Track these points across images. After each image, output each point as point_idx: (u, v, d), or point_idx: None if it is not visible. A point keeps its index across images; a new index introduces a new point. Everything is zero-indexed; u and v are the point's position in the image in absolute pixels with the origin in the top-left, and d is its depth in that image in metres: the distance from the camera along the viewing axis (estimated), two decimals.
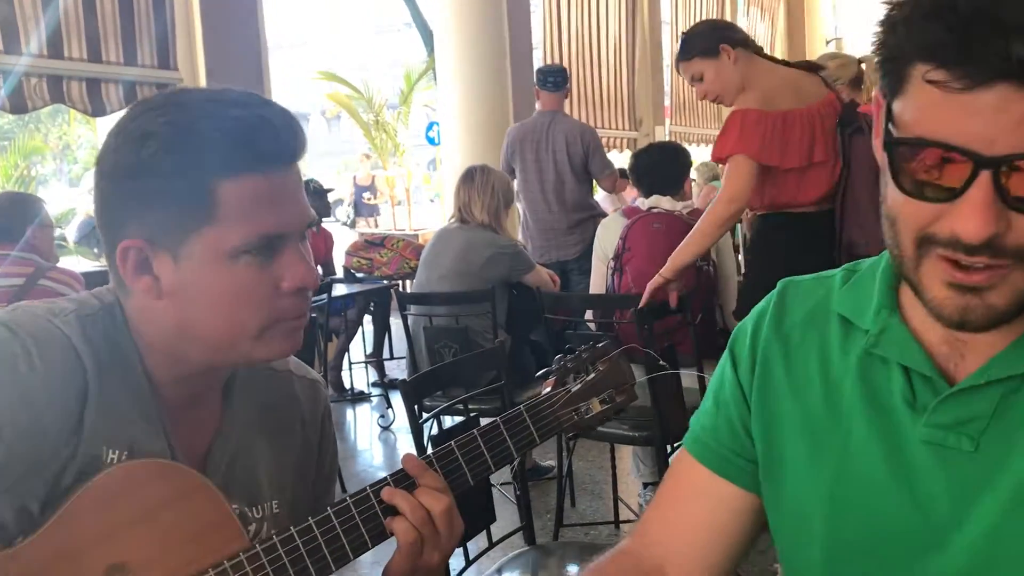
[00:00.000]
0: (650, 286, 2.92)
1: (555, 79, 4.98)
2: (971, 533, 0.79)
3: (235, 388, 1.09)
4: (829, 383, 0.90)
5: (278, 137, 0.95)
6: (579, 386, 1.19)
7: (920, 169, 0.72)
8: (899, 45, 0.71)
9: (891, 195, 0.75)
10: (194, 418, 1.05)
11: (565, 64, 7.79)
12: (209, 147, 0.92)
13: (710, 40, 2.90)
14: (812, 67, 2.99)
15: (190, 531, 0.96)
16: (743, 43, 2.92)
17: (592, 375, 1.20)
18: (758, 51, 2.98)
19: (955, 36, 0.67)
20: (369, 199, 11.50)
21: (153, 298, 0.97)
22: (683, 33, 3.04)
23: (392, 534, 1.05)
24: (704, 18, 10.98)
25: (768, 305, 0.98)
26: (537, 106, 5.19)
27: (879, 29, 0.73)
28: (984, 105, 0.67)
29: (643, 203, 3.47)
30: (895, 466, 0.84)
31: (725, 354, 1.00)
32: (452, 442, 1.10)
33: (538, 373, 1.23)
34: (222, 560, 0.96)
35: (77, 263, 7.73)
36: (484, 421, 1.20)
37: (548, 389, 1.19)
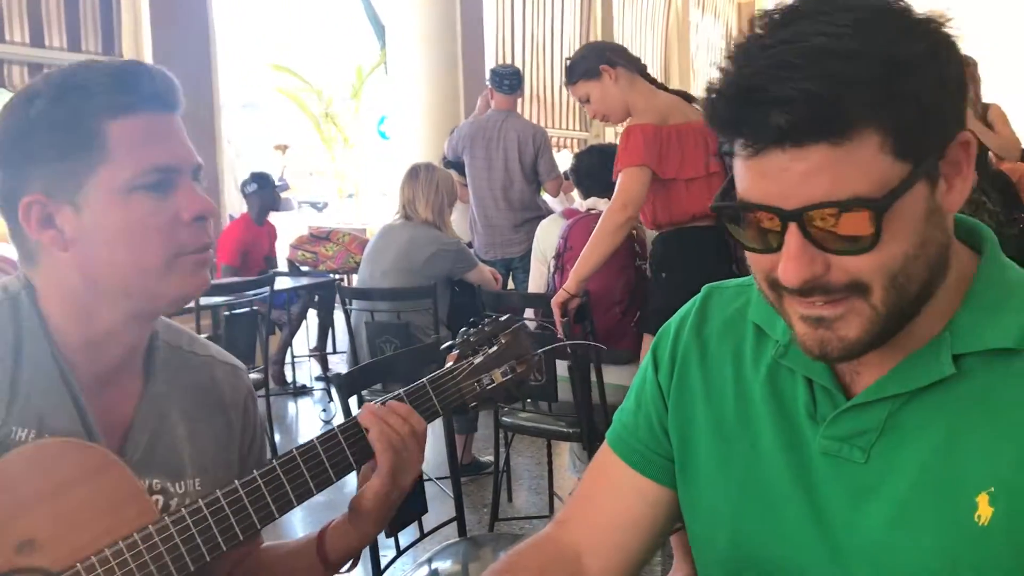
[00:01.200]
0: (555, 302, 2.95)
1: (511, 82, 5.03)
2: (862, 541, 0.84)
3: (155, 368, 1.13)
4: (741, 390, 0.95)
5: (155, 81, 1.04)
6: (481, 358, 1.23)
7: (747, 225, 0.79)
8: (710, 119, 0.79)
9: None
10: (113, 395, 1.09)
11: (518, 63, 7.84)
12: (93, 92, 1.01)
13: (591, 62, 3.02)
14: (687, 97, 3.12)
15: (100, 507, 0.99)
16: (625, 64, 3.03)
17: (494, 347, 1.24)
18: (642, 72, 3.09)
19: (732, 110, 0.75)
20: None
21: (59, 251, 1.02)
22: (567, 59, 3.15)
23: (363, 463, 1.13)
24: (653, 20, 11.12)
25: (691, 309, 1.03)
26: (479, 103, 5.23)
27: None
28: (770, 167, 0.74)
29: (582, 205, 3.53)
30: (797, 474, 0.88)
31: (648, 354, 1.05)
32: (356, 415, 1.14)
33: (443, 346, 1.27)
34: (131, 533, 0.99)
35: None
36: None
37: (451, 363, 1.23)
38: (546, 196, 5.50)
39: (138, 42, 4.94)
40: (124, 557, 0.98)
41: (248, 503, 1.05)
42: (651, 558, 1.08)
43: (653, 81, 3.13)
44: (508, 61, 7.81)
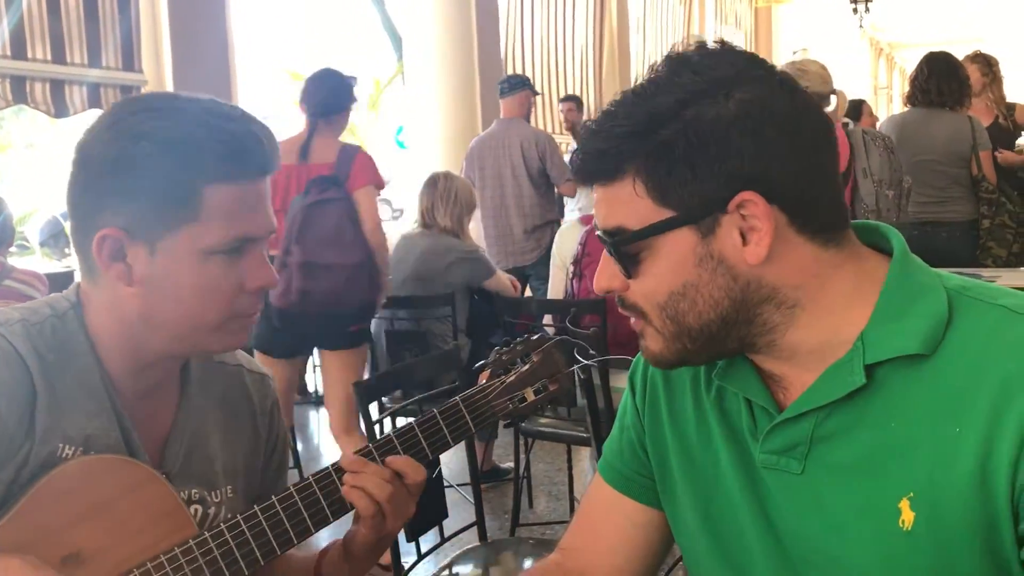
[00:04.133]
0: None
1: (503, 84, 5.10)
2: (806, 550, 0.88)
3: (191, 380, 1.16)
4: (699, 411, 0.99)
5: (264, 151, 1.05)
6: (513, 377, 1.24)
7: None
8: None
9: None
10: (152, 408, 1.11)
11: (531, 71, 7.88)
12: (203, 153, 1.00)
13: None
14: None
15: (142, 521, 1.02)
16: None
17: (526, 366, 1.25)
18: None
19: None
20: None
21: (123, 285, 1.03)
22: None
23: (351, 507, 1.11)
24: (672, 26, 11.11)
25: None
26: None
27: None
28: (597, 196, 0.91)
29: None
30: (749, 489, 0.93)
31: (627, 383, 1.10)
32: (391, 432, 1.16)
33: (475, 366, 1.29)
34: (172, 547, 1.02)
35: (40, 263, 7.66)
36: None
37: (484, 380, 1.24)
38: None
39: (158, 57, 4.99)
40: (165, 570, 1.01)
41: (285, 518, 1.07)
42: (654, 575, 1.11)
43: None
44: (521, 69, 7.83)
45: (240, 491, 1.16)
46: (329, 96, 3.49)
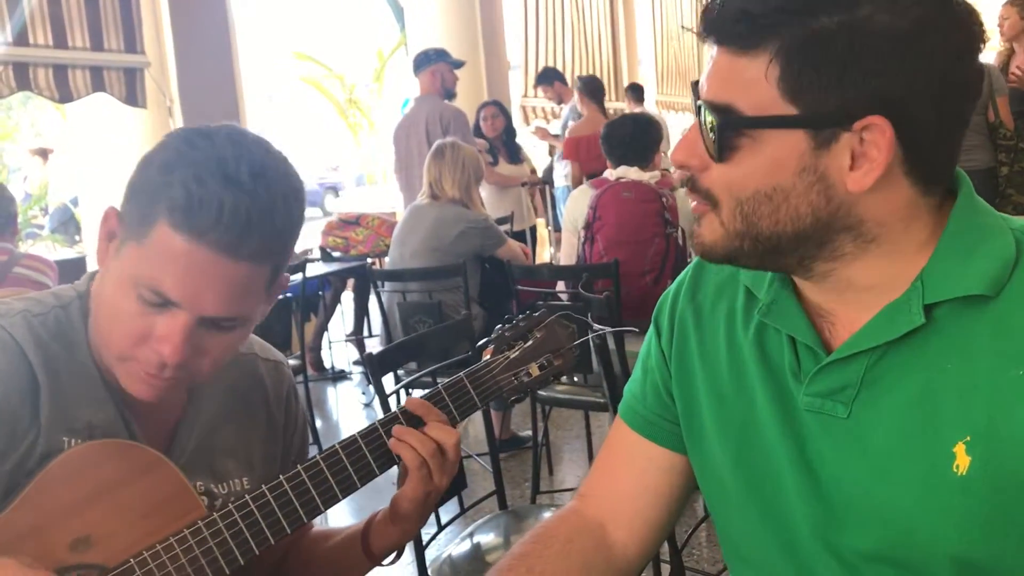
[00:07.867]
0: None
1: (413, 63, 5.17)
2: (849, 494, 0.85)
3: None
4: (734, 351, 0.96)
5: (219, 225, 0.95)
6: (517, 353, 1.25)
7: None
8: None
9: None
10: (157, 403, 1.08)
11: (543, 38, 7.79)
12: (174, 192, 0.95)
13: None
14: None
15: (150, 504, 1.02)
16: None
17: (529, 342, 1.27)
18: None
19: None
20: None
21: (103, 259, 1.03)
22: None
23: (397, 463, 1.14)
24: None
25: (686, 276, 1.04)
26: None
27: None
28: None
29: (611, 174, 3.50)
30: (787, 432, 0.89)
31: (652, 322, 1.06)
32: (396, 409, 1.16)
33: (479, 343, 1.29)
34: (182, 529, 1.02)
35: (51, 250, 7.69)
36: None
37: (488, 357, 1.25)
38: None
39: (159, 38, 4.96)
40: (175, 551, 1.01)
41: (293, 497, 1.07)
42: (675, 522, 1.10)
43: None
44: (530, 34, 7.75)
45: (256, 482, 1.15)
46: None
